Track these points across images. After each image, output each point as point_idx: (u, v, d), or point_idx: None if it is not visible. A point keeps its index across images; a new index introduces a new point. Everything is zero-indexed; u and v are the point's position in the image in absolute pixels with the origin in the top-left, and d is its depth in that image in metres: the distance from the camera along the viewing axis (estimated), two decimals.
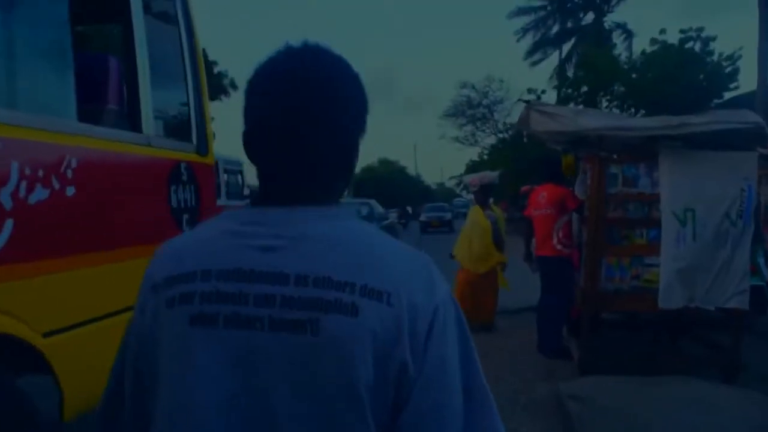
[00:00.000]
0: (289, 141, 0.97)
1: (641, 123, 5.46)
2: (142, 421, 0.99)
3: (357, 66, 1.04)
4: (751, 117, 5.20)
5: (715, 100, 24.52)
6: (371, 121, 1.06)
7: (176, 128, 3.55)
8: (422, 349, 0.92)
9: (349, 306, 0.89)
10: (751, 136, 5.27)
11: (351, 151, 1.04)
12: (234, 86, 25.78)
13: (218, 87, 24.81)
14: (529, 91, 31.24)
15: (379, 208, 16.52)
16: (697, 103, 23.91)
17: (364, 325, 0.89)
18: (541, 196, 6.80)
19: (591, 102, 27.90)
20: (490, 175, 8.78)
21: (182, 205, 3.34)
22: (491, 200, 8.49)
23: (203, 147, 3.68)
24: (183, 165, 3.42)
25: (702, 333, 6.44)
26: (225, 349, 0.91)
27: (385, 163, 63.76)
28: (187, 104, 3.62)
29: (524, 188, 31.40)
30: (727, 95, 24.55)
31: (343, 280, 0.90)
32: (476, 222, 8.04)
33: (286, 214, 0.97)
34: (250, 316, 0.91)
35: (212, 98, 24.76)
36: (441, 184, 64.68)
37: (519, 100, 30.30)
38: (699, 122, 5.25)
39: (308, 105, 0.95)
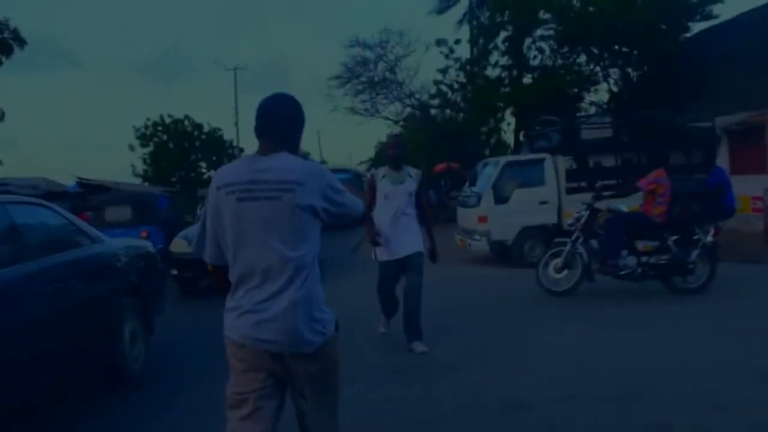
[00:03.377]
0: (268, 129, 2.50)
1: None
2: (218, 245, 2.51)
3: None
4: None
5: (683, 35, 19.38)
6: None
7: None
8: (321, 194, 2.44)
9: (293, 188, 2.36)
10: None
11: (296, 133, 2.59)
12: (20, 40, 18.00)
13: None
14: (438, 42, 25.31)
15: None
16: (656, 38, 18.75)
17: (299, 193, 2.36)
18: None
19: (515, 50, 22.31)
20: None
21: None
22: None
23: None
24: None
25: None
26: (252, 207, 2.37)
27: None
28: None
29: (439, 166, 25.73)
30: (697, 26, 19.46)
31: (289, 179, 2.37)
32: None
33: (267, 157, 2.45)
34: (258, 195, 2.37)
35: None
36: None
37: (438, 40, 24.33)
38: None
39: (278, 114, 2.54)
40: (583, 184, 12.32)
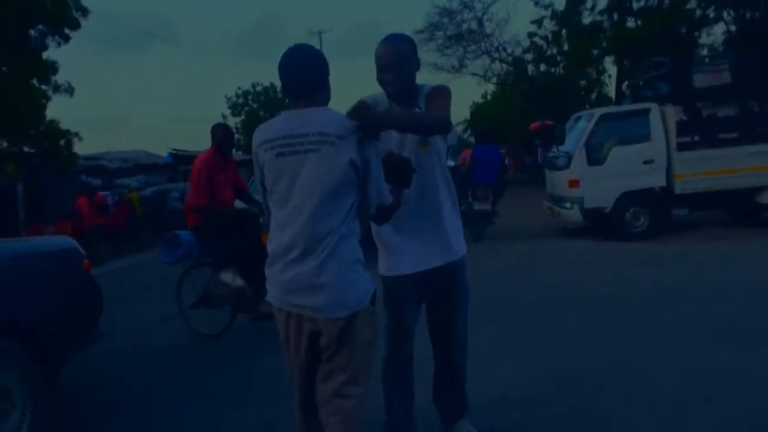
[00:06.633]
0: (297, 84, 2.41)
1: None
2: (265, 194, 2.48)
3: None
4: None
5: None
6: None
7: None
8: (361, 152, 2.32)
9: (333, 141, 2.27)
10: None
11: (324, 82, 2.46)
12: (83, 10, 17.51)
13: (61, 16, 16.70)
14: None
15: None
16: None
17: (340, 147, 2.27)
18: None
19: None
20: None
21: None
22: None
23: None
24: None
25: None
26: (291, 162, 2.31)
27: None
28: None
29: (534, 125, 23.90)
30: None
31: (329, 131, 2.29)
32: None
33: (304, 110, 2.38)
34: (297, 149, 2.31)
35: (55, 31, 16.61)
36: None
37: None
38: None
39: (299, 68, 2.39)
40: (696, 138, 10.51)
